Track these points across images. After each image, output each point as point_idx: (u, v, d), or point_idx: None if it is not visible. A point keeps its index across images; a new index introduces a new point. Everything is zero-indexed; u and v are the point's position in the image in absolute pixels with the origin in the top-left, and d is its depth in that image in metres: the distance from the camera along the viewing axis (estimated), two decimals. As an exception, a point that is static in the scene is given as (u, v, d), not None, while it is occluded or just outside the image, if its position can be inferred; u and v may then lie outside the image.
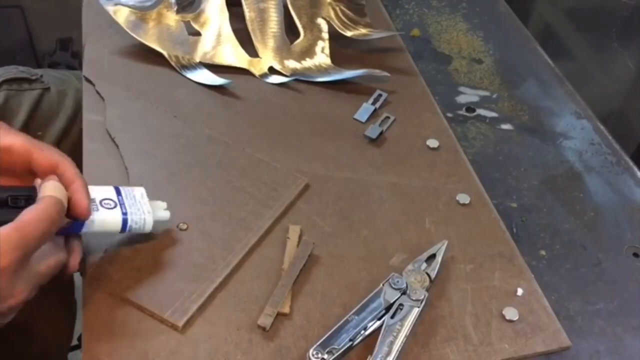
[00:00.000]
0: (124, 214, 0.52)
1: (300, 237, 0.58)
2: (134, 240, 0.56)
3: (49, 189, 0.46)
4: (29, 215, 0.44)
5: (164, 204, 0.56)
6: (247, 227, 0.59)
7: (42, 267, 0.46)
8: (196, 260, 0.56)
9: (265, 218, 0.60)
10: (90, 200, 0.49)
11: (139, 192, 0.55)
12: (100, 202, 0.51)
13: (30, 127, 0.77)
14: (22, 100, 0.78)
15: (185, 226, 0.58)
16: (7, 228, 0.42)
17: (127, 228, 0.52)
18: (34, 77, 0.81)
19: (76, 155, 0.70)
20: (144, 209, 0.53)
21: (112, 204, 0.52)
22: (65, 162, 0.50)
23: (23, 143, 0.50)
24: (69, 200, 0.48)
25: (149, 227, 0.53)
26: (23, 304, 0.45)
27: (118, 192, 0.53)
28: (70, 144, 0.79)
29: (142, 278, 0.54)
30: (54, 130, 0.79)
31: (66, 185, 0.49)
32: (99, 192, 0.52)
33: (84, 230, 0.50)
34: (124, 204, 0.52)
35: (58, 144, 0.78)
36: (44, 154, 0.50)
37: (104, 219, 0.51)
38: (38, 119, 0.79)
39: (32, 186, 0.49)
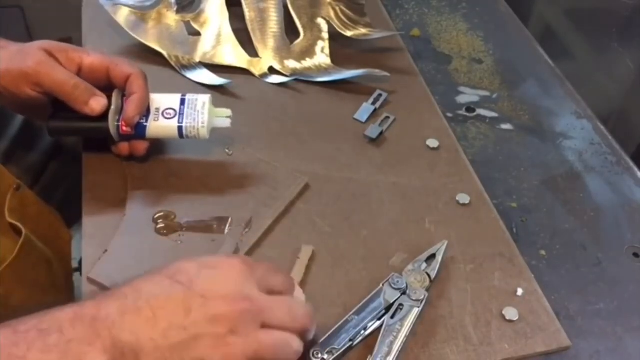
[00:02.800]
0: (180, 124, 0.59)
1: (311, 259, 0.57)
2: (134, 241, 0.56)
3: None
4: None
5: (228, 112, 0.62)
6: (247, 227, 0.59)
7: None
8: (196, 260, 0.56)
9: (265, 218, 0.60)
10: (140, 112, 0.59)
11: (202, 101, 0.61)
12: (163, 112, 0.60)
13: (30, 126, 0.77)
14: None
15: (185, 227, 0.58)
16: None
17: (184, 136, 0.60)
18: None
19: (77, 151, 0.70)
20: (200, 120, 0.60)
21: (172, 114, 0.60)
22: (136, 75, 0.59)
23: (101, 60, 0.60)
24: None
25: (203, 135, 0.60)
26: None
27: (182, 102, 0.60)
28: (71, 141, 0.79)
29: (142, 278, 0.54)
30: None
31: (130, 93, 0.59)
32: (165, 101, 0.60)
33: (147, 135, 0.60)
34: (183, 114, 0.60)
35: (58, 143, 0.78)
36: (119, 68, 0.59)
37: (162, 126, 0.60)
38: None
39: None
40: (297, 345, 0.44)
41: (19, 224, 0.61)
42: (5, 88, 0.58)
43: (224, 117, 0.62)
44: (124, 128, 0.59)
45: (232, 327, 0.41)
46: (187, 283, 0.42)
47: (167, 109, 0.60)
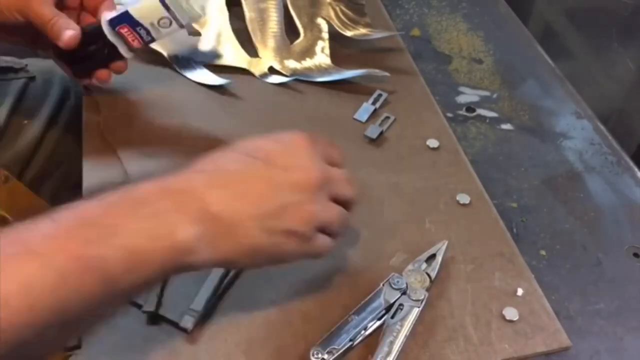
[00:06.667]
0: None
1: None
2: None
3: None
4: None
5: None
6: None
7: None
8: (196, 260, 0.56)
9: (265, 218, 0.60)
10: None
11: None
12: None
13: (16, 116, 0.76)
14: (8, 89, 0.78)
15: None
16: None
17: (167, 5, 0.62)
18: (18, 67, 0.81)
19: (64, 142, 0.69)
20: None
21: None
22: None
23: None
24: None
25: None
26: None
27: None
28: (58, 132, 0.79)
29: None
30: (40, 119, 0.78)
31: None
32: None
33: (132, 14, 0.62)
34: None
35: (45, 132, 0.78)
36: None
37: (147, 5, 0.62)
38: (24, 107, 0.78)
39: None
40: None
41: (8, 216, 0.60)
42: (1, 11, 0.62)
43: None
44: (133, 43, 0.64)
45: (312, 195, 0.45)
46: (264, 158, 0.45)
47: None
